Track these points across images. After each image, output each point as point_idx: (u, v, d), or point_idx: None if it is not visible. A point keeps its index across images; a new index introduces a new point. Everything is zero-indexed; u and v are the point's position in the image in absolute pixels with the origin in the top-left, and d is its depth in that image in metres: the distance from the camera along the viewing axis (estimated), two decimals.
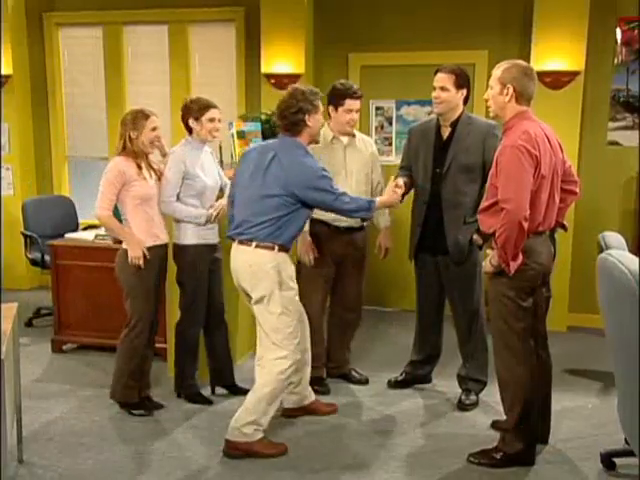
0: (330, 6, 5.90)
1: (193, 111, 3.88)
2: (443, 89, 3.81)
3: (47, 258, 5.11)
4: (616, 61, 5.43)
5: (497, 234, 3.12)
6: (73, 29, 6.67)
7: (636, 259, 2.23)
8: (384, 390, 4.31)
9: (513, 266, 3.14)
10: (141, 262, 3.73)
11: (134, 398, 3.92)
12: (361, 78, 5.88)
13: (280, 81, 5.74)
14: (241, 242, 3.46)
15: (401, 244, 4.23)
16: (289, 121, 3.45)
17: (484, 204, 3.31)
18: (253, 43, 5.99)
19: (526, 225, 3.08)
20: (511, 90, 3.19)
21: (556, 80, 5.23)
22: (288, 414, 3.89)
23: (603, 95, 5.47)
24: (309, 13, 5.80)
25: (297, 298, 3.57)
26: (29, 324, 5.51)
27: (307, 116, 3.43)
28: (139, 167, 3.77)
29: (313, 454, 3.52)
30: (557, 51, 5.20)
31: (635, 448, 2.41)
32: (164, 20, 6.36)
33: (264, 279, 3.41)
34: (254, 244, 3.42)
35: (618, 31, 5.39)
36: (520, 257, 3.14)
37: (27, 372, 4.15)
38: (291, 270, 3.52)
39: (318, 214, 4.13)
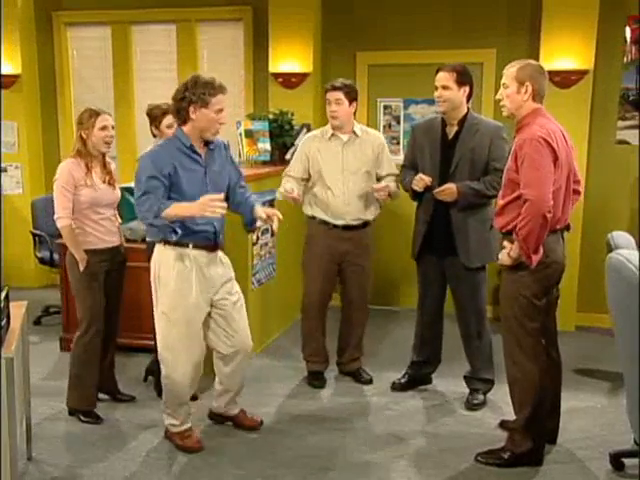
0: (338, 5, 5.90)
1: (153, 118, 3.93)
2: (445, 87, 3.80)
3: (56, 257, 5.12)
4: (625, 60, 5.40)
5: (519, 226, 3.07)
6: (81, 28, 6.70)
7: None
8: (391, 390, 4.30)
9: (535, 259, 3.09)
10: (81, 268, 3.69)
11: (91, 405, 3.86)
12: (369, 77, 5.88)
13: (288, 80, 5.75)
14: None
15: (406, 243, 4.21)
16: (174, 107, 3.32)
17: (501, 202, 3.27)
18: (261, 42, 5.99)
19: (549, 217, 3.03)
20: (530, 88, 3.19)
21: (565, 79, 5.21)
22: (212, 416, 3.82)
23: (612, 94, 5.44)
24: (317, 12, 5.80)
25: (184, 307, 3.32)
26: (38, 322, 5.53)
27: (191, 108, 3.20)
28: (88, 170, 3.69)
29: (320, 453, 3.52)
30: (566, 49, 5.18)
31: None
32: (172, 19, 6.38)
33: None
34: None
35: (627, 29, 5.36)
36: (541, 250, 3.10)
37: (36, 370, 4.16)
38: (173, 270, 3.29)
39: (317, 213, 4.17)
